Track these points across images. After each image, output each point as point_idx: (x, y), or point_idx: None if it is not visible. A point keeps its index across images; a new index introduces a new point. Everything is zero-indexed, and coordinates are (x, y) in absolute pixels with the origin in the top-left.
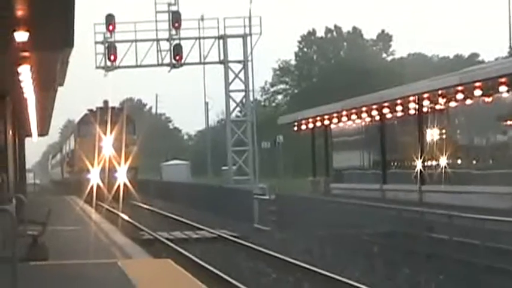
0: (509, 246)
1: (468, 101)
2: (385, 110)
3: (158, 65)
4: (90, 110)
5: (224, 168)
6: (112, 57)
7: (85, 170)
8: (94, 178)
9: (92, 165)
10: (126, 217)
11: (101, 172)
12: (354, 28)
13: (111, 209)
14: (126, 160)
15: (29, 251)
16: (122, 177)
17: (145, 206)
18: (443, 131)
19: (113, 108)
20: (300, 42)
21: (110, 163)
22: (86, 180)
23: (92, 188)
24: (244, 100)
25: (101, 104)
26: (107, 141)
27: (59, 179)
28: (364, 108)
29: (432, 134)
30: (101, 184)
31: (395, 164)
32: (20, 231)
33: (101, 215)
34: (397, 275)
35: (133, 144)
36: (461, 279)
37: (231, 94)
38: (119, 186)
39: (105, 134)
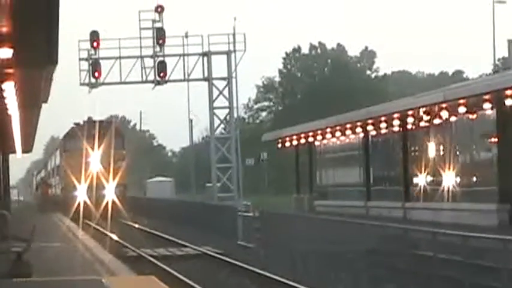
0: (494, 263)
1: (452, 118)
2: (369, 127)
3: (142, 81)
4: (77, 124)
5: (208, 184)
6: (96, 74)
7: (71, 186)
8: (81, 195)
9: (79, 181)
10: (110, 234)
11: (88, 189)
12: (338, 45)
13: (96, 226)
14: (114, 176)
15: (13, 267)
16: (110, 194)
17: (129, 223)
18: (427, 148)
19: (100, 121)
20: (284, 59)
21: (98, 179)
22: (73, 197)
23: (78, 205)
24: (228, 117)
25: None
26: (95, 157)
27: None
28: (348, 125)
29: (416, 151)
30: (88, 201)
31: (381, 181)
32: (3, 248)
33: (85, 232)
34: None
35: (123, 160)
36: None
37: (215, 111)
38: (107, 204)
39: (92, 148)
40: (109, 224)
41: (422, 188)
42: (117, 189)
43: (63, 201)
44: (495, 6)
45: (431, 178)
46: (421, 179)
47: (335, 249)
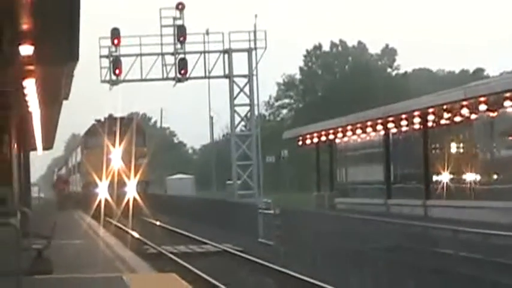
0: None
1: (473, 116)
2: (390, 125)
3: (163, 79)
4: (98, 121)
5: (229, 182)
6: (117, 71)
7: (92, 183)
8: (102, 192)
9: (100, 178)
10: (131, 231)
11: (109, 186)
12: (359, 42)
13: (117, 224)
14: (136, 173)
15: (34, 264)
16: (131, 191)
17: (150, 220)
18: (448, 146)
19: (122, 118)
20: (305, 56)
21: (119, 176)
22: (94, 195)
23: (99, 202)
24: (249, 114)
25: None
26: (116, 153)
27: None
28: (369, 123)
29: (437, 149)
30: (109, 199)
31: (401, 179)
32: (24, 245)
33: (105, 229)
34: None
35: (144, 157)
36: None
37: (236, 108)
38: (128, 201)
39: (113, 145)
40: (130, 221)
41: (443, 186)
42: (138, 186)
43: (84, 199)
44: None
45: (452, 176)
46: (442, 177)
47: (355, 246)
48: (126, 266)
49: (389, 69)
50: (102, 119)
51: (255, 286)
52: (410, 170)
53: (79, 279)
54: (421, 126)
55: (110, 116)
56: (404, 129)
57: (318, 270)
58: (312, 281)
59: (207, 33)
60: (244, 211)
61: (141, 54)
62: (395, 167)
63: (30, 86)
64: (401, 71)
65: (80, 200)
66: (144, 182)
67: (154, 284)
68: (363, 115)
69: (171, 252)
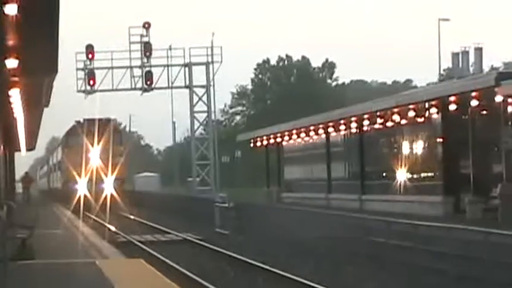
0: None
1: (403, 121)
2: (330, 129)
3: (132, 89)
4: (78, 122)
5: (189, 179)
6: (91, 82)
7: (72, 180)
8: (81, 188)
9: (79, 175)
10: (105, 223)
11: (88, 182)
12: (303, 57)
13: (93, 217)
14: (113, 171)
15: (18, 251)
16: (109, 187)
17: (124, 214)
18: (381, 147)
19: (100, 119)
20: (255, 69)
21: (97, 173)
22: (73, 191)
23: (79, 198)
24: (206, 120)
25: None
26: (94, 152)
27: (45, 189)
28: (311, 128)
29: (371, 150)
30: (88, 194)
31: (340, 176)
32: (10, 234)
33: (83, 222)
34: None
35: (121, 155)
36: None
37: (195, 115)
38: (105, 196)
39: (92, 144)
40: (107, 215)
41: (377, 182)
42: (115, 183)
43: (64, 194)
44: (440, 23)
45: (385, 174)
46: (376, 175)
47: (300, 235)
48: (100, 253)
49: (329, 81)
50: (82, 120)
51: (212, 269)
52: (350, 168)
53: (58, 264)
54: (358, 130)
55: (89, 118)
56: (342, 132)
57: (267, 256)
58: (261, 265)
59: (170, 48)
60: (203, 205)
61: (112, 67)
62: (335, 165)
63: (15, 95)
64: (340, 82)
65: (60, 194)
66: (120, 179)
67: (124, 269)
68: (306, 120)
69: (139, 241)
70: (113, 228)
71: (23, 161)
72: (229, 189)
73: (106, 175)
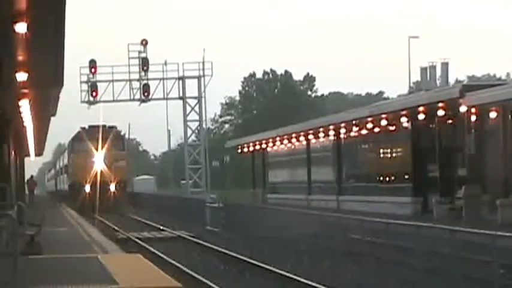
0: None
1: (376, 129)
2: (310, 136)
3: (130, 100)
4: (83, 128)
5: (183, 182)
6: (94, 94)
7: (78, 183)
8: (86, 191)
9: (85, 178)
10: (107, 222)
11: (92, 185)
12: (286, 71)
13: (97, 216)
14: (116, 174)
15: (27, 247)
16: (112, 189)
17: (122, 213)
18: (357, 152)
19: (104, 126)
20: (243, 82)
21: (101, 176)
22: (79, 193)
23: (84, 199)
24: (198, 128)
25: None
26: (99, 156)
27: (53, 190)
28: (293, 135)
29: (347, 155)
30: (93, 196)
31: (319, 179)
32: (20, 231)
33: (87, 221)
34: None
35: (123, 159)
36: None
37: (188, 123)
38: (109, 198)
39: (96, 149)
40: (109, 215)
41: (353, 184)
42: (117, 186)
43: (70, 196)
44: (410, 40)
45: (360, 177)
46: (352, 177)
47: (283, 232)
48: (101, 248)
49: (309, 92)
50: (87, 127)
51: (203, 263)
52: (327, 172)
53: (63, 259)
54: (335, 137)
55: (93, 124)
56: (321, 140)
57: (254, 251)
58: (247, 259)
59: (165, 63)
60: (195, 205)
61: (113, 80)
62: (315, 169)
63: (24, 105)
64: (319, 94)
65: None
66: (123, 182)
67: (124, 263)
68: (288, 128)
69: (137, 238)
70: (112, 225)
71: (32, 164)
72: (219, 191)
73: (109, 178)
